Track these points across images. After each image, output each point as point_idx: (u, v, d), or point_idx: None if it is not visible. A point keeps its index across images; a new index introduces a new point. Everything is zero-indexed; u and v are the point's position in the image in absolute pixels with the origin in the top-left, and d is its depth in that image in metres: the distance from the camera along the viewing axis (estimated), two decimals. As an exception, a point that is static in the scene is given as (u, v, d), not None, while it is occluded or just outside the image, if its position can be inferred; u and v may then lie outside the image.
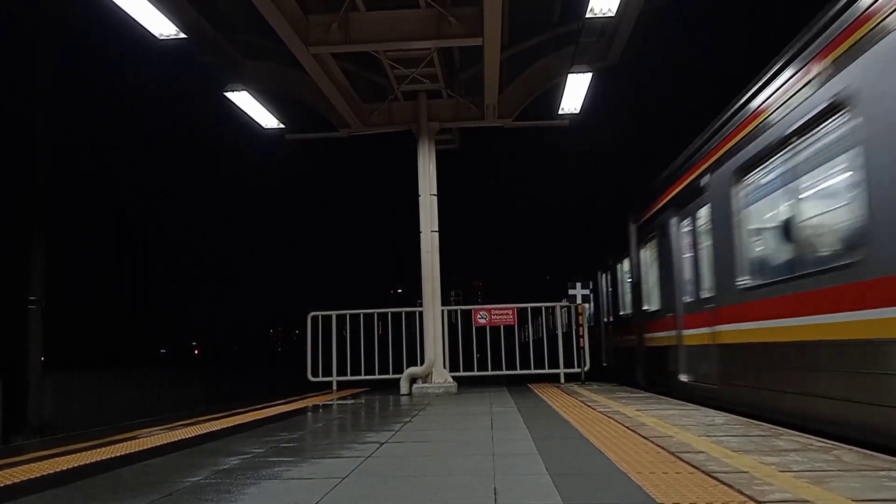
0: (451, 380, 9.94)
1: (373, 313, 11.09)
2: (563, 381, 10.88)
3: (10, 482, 3.58)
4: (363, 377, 10.90)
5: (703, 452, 3.84)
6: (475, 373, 10.82)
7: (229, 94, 9.56)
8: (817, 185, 5.82)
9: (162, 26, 7.51)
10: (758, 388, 6.66)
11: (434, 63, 9.37)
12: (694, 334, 8.71)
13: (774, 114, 6.26)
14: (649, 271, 11.31)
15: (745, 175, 7.01)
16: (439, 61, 9.40)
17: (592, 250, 15.81)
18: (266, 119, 10.45)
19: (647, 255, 11.40)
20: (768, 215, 6.70)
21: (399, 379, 9.99)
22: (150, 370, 19.80)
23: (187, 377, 19.62)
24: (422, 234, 10.04)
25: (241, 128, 11.44)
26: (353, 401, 8.95)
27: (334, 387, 10.76)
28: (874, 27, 4.73)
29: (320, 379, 10.80)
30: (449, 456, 4.20)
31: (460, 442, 4.82)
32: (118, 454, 4.48)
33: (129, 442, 5.10)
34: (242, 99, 9.75)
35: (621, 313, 13.72)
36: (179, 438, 5.27)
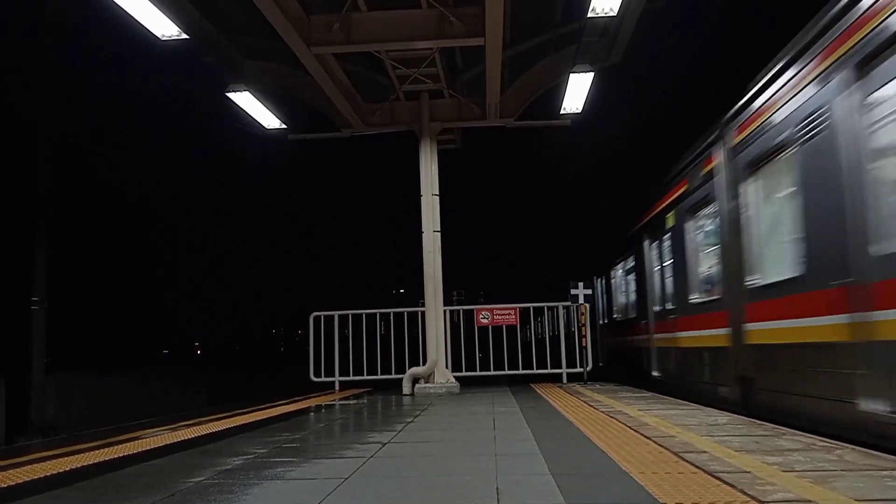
0: (453, 380, 9.94)
1: (375, 313, 11.11)
2: (565, 380, 10.88)
3: (13, 482, 3.58)
4: (365, 377, 10.91)
5: (705, 452, 3.84)
6: (477, 373, 10.83)
7: (231, 95, 9.57)
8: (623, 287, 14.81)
9: (164, 27, 7.51)
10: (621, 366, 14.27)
11: (436, 63, 9.37)
12: (613, 340, 15.44)
13: None
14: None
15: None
16: (441, 61, 9.40)
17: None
18: (268, 119, 10.46)
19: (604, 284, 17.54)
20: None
21: (401, 379, 9.99)
22: (152, 370, 19.82)
23: (189, 377, 19.63)
24: (424, 234, 10.04)
25: (243, 128, 11.45)
26: (355, 401, 8.95)
27: (336, 387, 10.77)
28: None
29: (322, 379, 10.81)
30: (451, 456, 4.20)
31: (462, 442, 4.82)
32: (121, 455, 4.49)
33: (131, 442, 5.11)
34: (244, 99, 9.76)
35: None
36: (182, 439, 5.27)
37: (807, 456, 3.66)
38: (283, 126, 10.74)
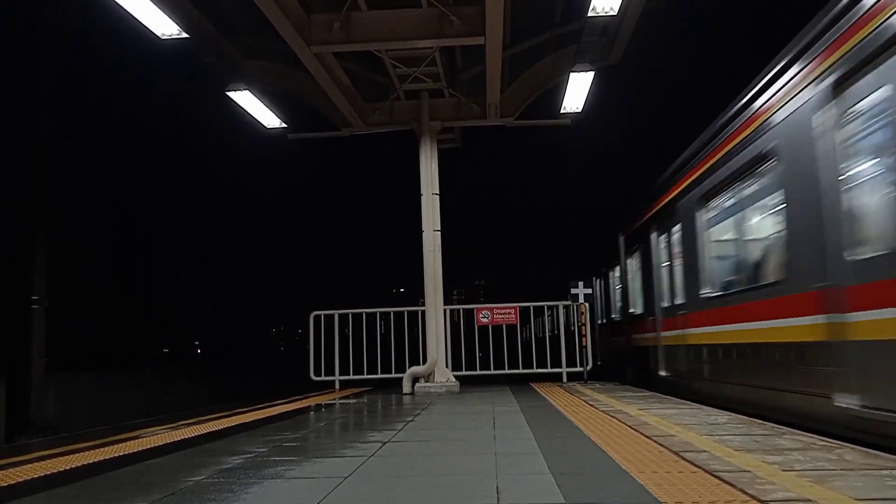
0: (453, 379, 9.94)
1: (375, 312, 11.10)
2: (565, 380, 10.88)
3: (13, 482, 3.58)
4: (365, 376, 10.92)
5: (705, 451, 3.84)
6: (477, 372, 10.83)
7: (231, 94, 9.57)
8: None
9: (164, 26, 7.51)
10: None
11: (436, 62, 9.37)
12: (611, 339, 16.09)
13: None
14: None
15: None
16: (441, 60, 9.40)
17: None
18: (268, 119, 10.45)
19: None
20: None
21: (401, 378, 9.99)
22: (152, 370, 19.82)
23: (189, 377, 19.63)
24: (424, 234, 10.04)
25: (243, 127, 11.45)
26: (355, 400, 8.95)
27: (337, 386, 10.78)
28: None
29: (323, 378, 10.82)
30: (451, 455, 4.21)
31: (463, 441, 4.82)
32: (121, 454, 4.49)
33: (131, 442, 5.11)
34: (244, 98, 9.75)
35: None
36: (182, 438, 5.28)
37: (806, 455, 3.66)
38: (284, 125, 10.73)
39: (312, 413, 7.36)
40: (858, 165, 4.93)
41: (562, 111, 10.42)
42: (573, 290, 11.43)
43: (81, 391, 14.09)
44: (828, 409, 5.19)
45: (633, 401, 7.35)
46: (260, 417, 6.85)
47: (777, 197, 6.20)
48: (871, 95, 4.73)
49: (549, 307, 12.08)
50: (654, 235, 10.82)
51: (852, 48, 4.90)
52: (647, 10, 8.76)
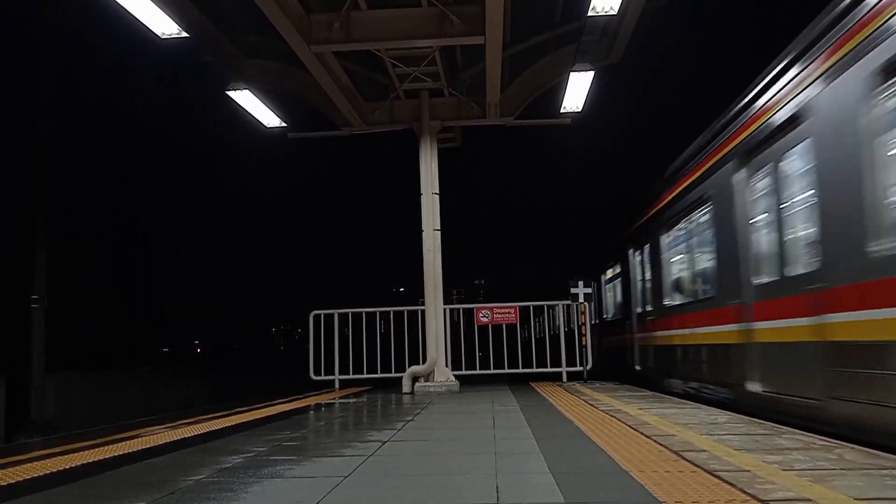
0: (453, 378, 9.94)
1: (375, 312, 11.10)
2: (565, 379, 10.88)
3: (12, 481, 3.58)
4: (365, 376, 10.92)
5: (705, 451, 3.84)
6: (477, 371, 10.83)
7: (231, 93, 9.56)
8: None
9: (164, 25, 7.50)
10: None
11: (436, 62, 9.36)
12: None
13: None
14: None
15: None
16: (441, 60, 9.39)
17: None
18: (268, 118, 10.45)
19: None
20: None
21: (401, 378, 9.99)
22: (152, 369, 19.84)
23: (189, 376, 19.64)
24: (424, 233, 10.04)
25: (243, 127, 11.45)
26: (355, 399, 8.95)
27: (336, 385, 10.78)
28: None
29: (322, 377, 10.82)
30: (451, 454, 4.21)
31: (462, 440, 4.82)
32: (120, 453, 4.49)
33: (131, 441, 5.11)
34: (244, 98, 9.74)
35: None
36: (181, 437, 5.27)
37: (806, 455, 3.66)
38: (284, 124, 10.72)
39: (312, 412, 7.36)
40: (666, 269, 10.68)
41: (562, 111, 10.40)
42: (573, 290, 11.42)
43: (81, 390, 14.09)
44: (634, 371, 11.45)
45: (632, 400, 7.35)
46: (259, 417, 6.84)
47: (626, 280, 13.10)
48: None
49: (549, 307, 12.09)
50: (600, 277, 17.26)
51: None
52: (647, 10, 8.75)
